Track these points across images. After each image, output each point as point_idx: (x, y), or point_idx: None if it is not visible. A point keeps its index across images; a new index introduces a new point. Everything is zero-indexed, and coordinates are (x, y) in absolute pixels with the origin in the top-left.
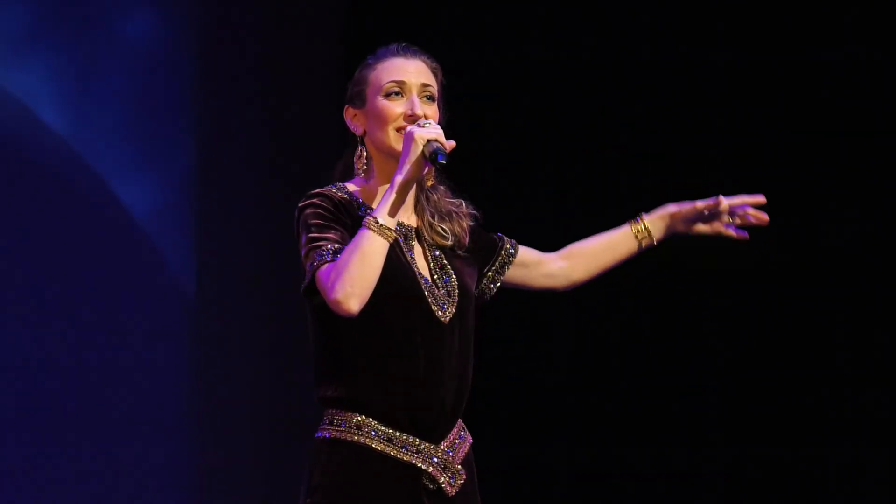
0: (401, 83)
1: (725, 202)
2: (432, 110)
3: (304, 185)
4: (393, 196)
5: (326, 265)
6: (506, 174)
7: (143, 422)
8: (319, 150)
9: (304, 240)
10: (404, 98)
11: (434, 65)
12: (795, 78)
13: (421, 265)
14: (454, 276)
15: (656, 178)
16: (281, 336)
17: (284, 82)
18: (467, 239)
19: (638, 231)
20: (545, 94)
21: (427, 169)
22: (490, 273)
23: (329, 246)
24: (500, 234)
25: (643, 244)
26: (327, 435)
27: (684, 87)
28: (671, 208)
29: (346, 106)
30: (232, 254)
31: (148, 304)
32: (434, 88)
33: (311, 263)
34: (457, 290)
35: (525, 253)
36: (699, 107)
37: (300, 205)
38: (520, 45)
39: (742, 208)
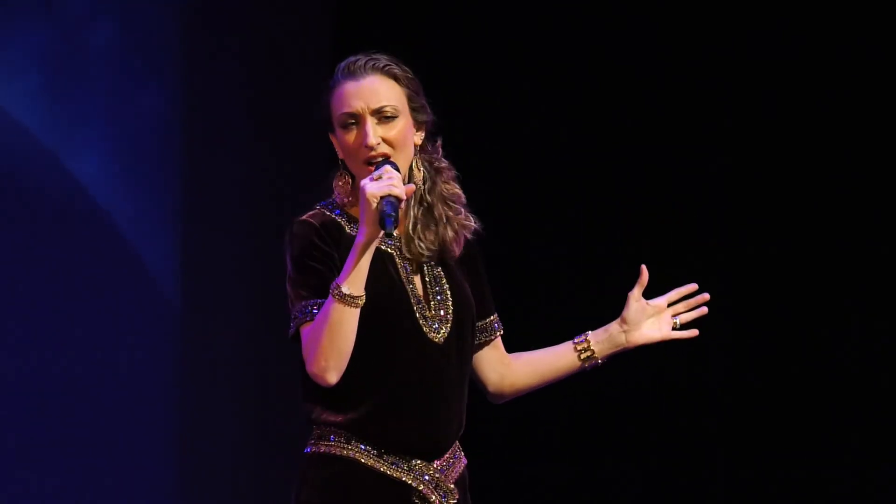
0: (352, 114)
1: (646, 273)
2: (394, 130)
3: (292, 195)
4: (354, 260)
5: (307, 325)
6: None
7: (128, 430)
8: (308, 158)
9: (289, 271)
10: (360, 126)
11: (396, 71)
12: (794, 79)
13: (416, 282)
14: (449, 293)
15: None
16: (267, 347)
17: (272, 86)
18: (459, 251)
19: (581, 348)
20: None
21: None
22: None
23: (311, 301)
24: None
25: (586, 362)
26: (316, 450)
27: (682, 93)
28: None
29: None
30: (218, 264)
31: (133, 314)
32: (392, 105)
33: (295, 315)
34: (452, 309)
35: (500, 341)
36: (698, 109)
37: (289, 230)
38: (515, 41)
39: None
